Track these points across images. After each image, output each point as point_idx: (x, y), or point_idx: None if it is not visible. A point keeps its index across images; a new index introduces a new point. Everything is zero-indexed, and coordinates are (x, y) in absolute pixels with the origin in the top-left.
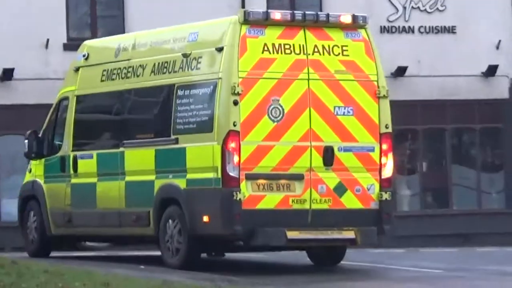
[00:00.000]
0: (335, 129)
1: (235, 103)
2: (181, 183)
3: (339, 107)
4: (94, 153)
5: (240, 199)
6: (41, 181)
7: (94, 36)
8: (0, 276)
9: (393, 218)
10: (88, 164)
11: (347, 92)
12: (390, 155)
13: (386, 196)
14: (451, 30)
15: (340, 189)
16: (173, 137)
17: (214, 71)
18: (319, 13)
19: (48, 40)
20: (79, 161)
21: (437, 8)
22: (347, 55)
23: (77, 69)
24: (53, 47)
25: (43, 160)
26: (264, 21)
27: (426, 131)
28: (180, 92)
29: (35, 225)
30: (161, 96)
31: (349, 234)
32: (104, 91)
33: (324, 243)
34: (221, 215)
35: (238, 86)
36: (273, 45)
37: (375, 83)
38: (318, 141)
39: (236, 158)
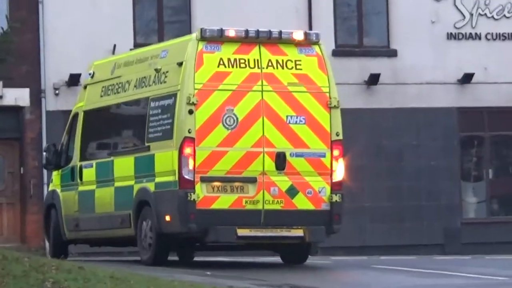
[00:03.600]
0: (287, 136)
1: (190, 112)
2: (151, 187)
3: (291, 116)
4: (94, 162)
5: (194, 199)
6: (58, 190)
7: (161, 41)
8: (67, 282)
9: (342, 218)
10: (89, 173)
11: (300, 102)
12: (341, 161)
13: (336, 198)
14: None
15: (292, 191)
16: (146, 145)
17: (175, 84)
18: (272, 30)
19: (115, 45)
20: (84, 171)
21: (504, 15)
22: (300, 69)
23: (85, 87)
24: (120, 52)
25: (60, 170)
26: (220, 38)
27: (493, 138)
28: (152, 104)
29: (52, 231)
30: (140, 108)
31: (298, 232)
32: (101, 106)
33: (273, 241)
34: (178, 214)
35: (193, 97)
36: (229, 59)
37: (327, 94)
38: (270, 147)
39: (191, 163)
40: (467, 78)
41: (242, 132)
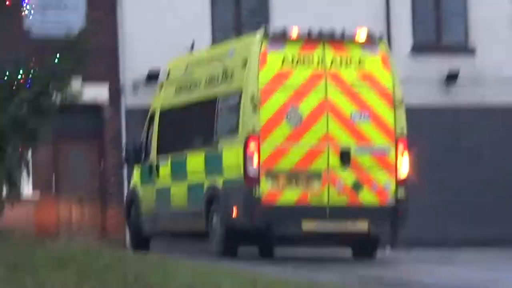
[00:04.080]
0: (352, 132)
1: (254, 110)
2: (219, 182)
3: (355, 113)
4: (169, 159)
5: (259, 196)
6: (138, 186)
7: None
8: (148, 276)
9: (407, 213)
10: (165, 169)
11: (364, 100)
12: (406, 157)
13: (401, 193)
14: None
15: (357, 186)
16: (215, 142)
17: (241, 83)
18: (335, 30)
19: (193, 41)
20: (160, 167)
21: None
22: (364, 68)
23: (161, 85)
24: (198, 49)
25: (139, 167)
26: (284, 37)
27: None
28: (220, 102)
29: (132, 226)
30: (210, 106)
31: (362, 225)
32: (175, 104)
33: (338, 233)
34: (243, 209)
35: (257, 95)
36: (293, 58)
37: (391, 92)
38: (335, 143)
39: (255, 159)
40: None
41: (306, 129)
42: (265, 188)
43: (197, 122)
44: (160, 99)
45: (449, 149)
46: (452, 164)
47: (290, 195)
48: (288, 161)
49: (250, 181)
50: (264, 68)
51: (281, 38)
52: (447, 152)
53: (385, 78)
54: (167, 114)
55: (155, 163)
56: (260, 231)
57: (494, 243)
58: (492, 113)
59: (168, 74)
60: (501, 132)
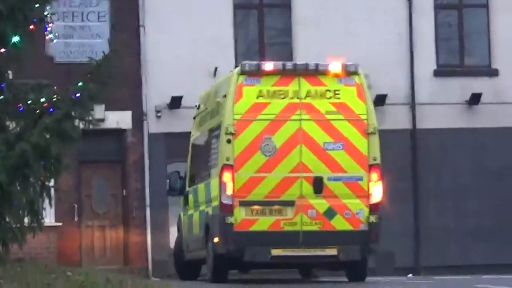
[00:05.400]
0: (325, 161)
1: (228, 141)
2: (210, 211)
3: (329, 143)
4: (192, 188)
5: (232, 223)
6: (181, 214)
7: None
8: None
9: (379, 238)
10: (191, 198)
11: (337, 130)
12: (379, 184)
13: (373, 219)
14: None
15: (330, 213)
16: (208, 172)
17: (220, 116)
18: (309, 63)
19: (216, 68)
20: (188, 196)
21: None
22: (339, 98)
23: (195, 117)
24: (221, 75)
25: (183, 196)
26: (259, 72)
27: None
28: (212, 135)
29: (177, 252)
30: (208, 139)
31: (332, 251)
32: (196, 136)
33: (307, 260)
34: (219, 236)
35: (231, 127)
36: (268, 91)
37: (365, 121)
38: (308, 172)
39: (229, 188)
40: None
41: (280, 159)
42: (239, 215)
43: (203, 154)
44: (193, 130)
45: (472, 170)
46: (475, 186)
47: (263, 222)
48: (262, 190)
49: (224, 208)
50: (239, 101)
51: (257, 72)
52: (470, 173)
53: (359, 108)
54: (194, 146)
55: (186, 192)
56: (234, 257)
57: None
58: None
59: (198, 106)
60: None
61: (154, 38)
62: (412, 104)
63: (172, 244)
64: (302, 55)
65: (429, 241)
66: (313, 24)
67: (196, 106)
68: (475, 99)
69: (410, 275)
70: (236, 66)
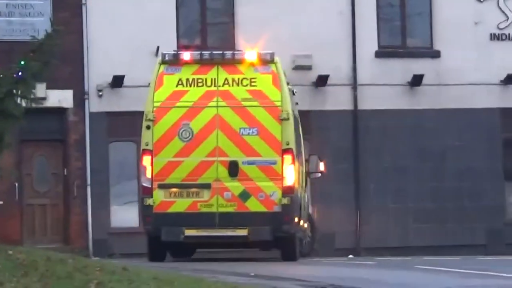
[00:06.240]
0: (240, 146)
1: (148, 127)
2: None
3: (244, 128)
4: None
5: (150, 204)
6: None
7: (204, 43)
8: (111, 283)
9: (292, 219)
10: None
11: (253, 116)
12: (291, 167)
13: (285, 201)
14: None
15: (244, 195)
16: None
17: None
18: (225, 52)
19: (158, 47)
20: None
21: None
22: (255, 86)
23: None
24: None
25: None
26: (179, 61)
27: None
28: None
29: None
30: None
31: (242, 232)
32: None
33: (218, 240)
34: (140, 217)
35: (151, 113)
36: (187, 79)
37: (279, 108)
38: (223, 156)
39: (148, 172)
40: (510, 79)
41: (197, 144)
42: (158, 197)
43: None
44: None
45: (413, 151)
46: (416, 166)
47: (181, 204)
48: (180, 173)
49: (144, 191)
50: (160, 89)
51: (176, 62)
52: (411, 154)
53: (274, 95)
54: None
55: None
56: (152, 236)
57: (456, 249)
58: (456, 115)
59: None
60: (465, 135)
61: (96, 16)
62: (354, 85)
63: (112, 223)
64: (244, 35)
65: (369, 222)
66: (254, 4)
67: None
68: (416, 80)
69: (351, 256)
70: (177, 46)
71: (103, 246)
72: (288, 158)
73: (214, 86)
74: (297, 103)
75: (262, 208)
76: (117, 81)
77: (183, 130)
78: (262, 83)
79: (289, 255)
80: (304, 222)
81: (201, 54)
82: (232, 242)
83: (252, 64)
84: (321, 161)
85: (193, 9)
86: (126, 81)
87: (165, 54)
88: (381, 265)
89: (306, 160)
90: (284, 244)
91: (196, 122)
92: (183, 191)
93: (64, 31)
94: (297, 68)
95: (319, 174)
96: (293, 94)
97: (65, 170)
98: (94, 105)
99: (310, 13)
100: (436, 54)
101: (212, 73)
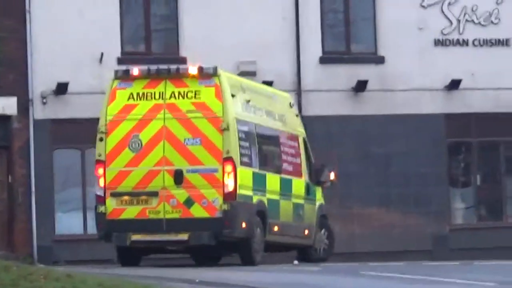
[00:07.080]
0: (184, 155)
1: (101, 139)
2: None
3: (188, 138)
4: None
5: (103, 212)
6: None
7: (148, 50)
8: None
9: (233, 224)
10: None
11: (196, 126)
12: (231, 175)
13: (226, 207)
14: (505, 43)
15: (188, 202)
16: None
17: None
18: (171, 67)
19: (102, 54)
20: None
21: (491, 21)
22: (199, 98)
23: None
24: (107, 61)
25: None
26: (129, 76)
27: (480, 143)
28: None
29: None
30: None
31: (183, 237)
32: None
33: (161, 244)
34: (95, 224)
35: (103, 126)
36: (138, 93)
37: (221, 118)
38: (169, 165)
39: (101, 181)
40: (454, 84)
41: (146, 154)
42: (110, 205)
43: None
44: None
45: (357, 157)
46: (361, 172)
47: (131, 211)
48: (130, 182)
49: (97, 199)
50: (112, 103)
51: (127, 77)
52: (356, 160)
53: (216, 107)
54: None
55: None
56: (105, 241)
57: (402, 255)
58: (401, 121)
59: None
60: (410, 140)
61: (40, 23)
62: (298, 91)
63: (57, 230)
64: (188, 41)
65: None
66: (199, 9)
67: None
68: (361, 86)
69: (296, 261)
70: (122, 52)
71: (48, 253)
72: (228, 166)
73: (162, 99)
74: (297, 115)
75: (205, 214)
76: (61, 88)
77: (133, 141)
78: (206, 96)
79: (246, 260)
80: (318, 230)
81: (148, 70)
82: (175, 246)
83: (197, 77)
84: (330, 171)
85: (137, 16)
86: (70, 88)
87: (117, 70)
88: (326, 271)
89: (317, 170)
90: (240, 249)
91: (145, 134)
92: (133, 199)
93: (8, 38)
94: (242, 74)
95: (329, 183)
96: (290, 106)
97: (10, 177)
98: (38, 112)
99: (254, 19)
100: (380, 60)
101: (160, 87)
